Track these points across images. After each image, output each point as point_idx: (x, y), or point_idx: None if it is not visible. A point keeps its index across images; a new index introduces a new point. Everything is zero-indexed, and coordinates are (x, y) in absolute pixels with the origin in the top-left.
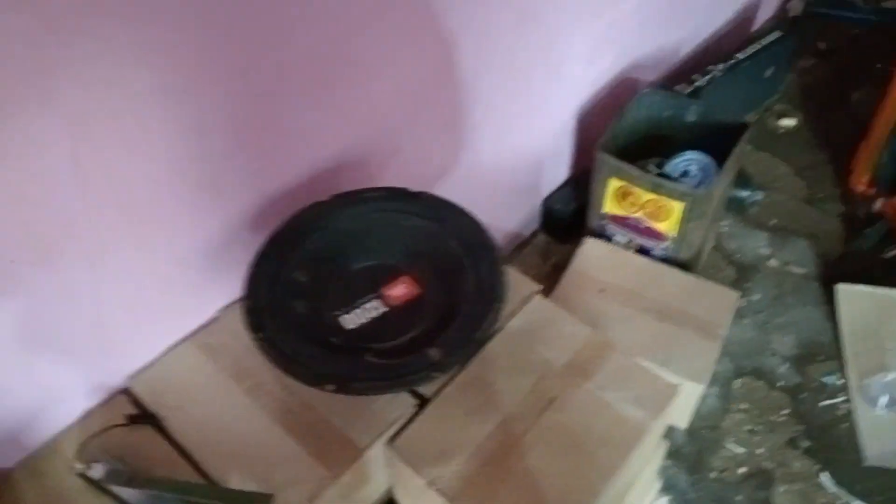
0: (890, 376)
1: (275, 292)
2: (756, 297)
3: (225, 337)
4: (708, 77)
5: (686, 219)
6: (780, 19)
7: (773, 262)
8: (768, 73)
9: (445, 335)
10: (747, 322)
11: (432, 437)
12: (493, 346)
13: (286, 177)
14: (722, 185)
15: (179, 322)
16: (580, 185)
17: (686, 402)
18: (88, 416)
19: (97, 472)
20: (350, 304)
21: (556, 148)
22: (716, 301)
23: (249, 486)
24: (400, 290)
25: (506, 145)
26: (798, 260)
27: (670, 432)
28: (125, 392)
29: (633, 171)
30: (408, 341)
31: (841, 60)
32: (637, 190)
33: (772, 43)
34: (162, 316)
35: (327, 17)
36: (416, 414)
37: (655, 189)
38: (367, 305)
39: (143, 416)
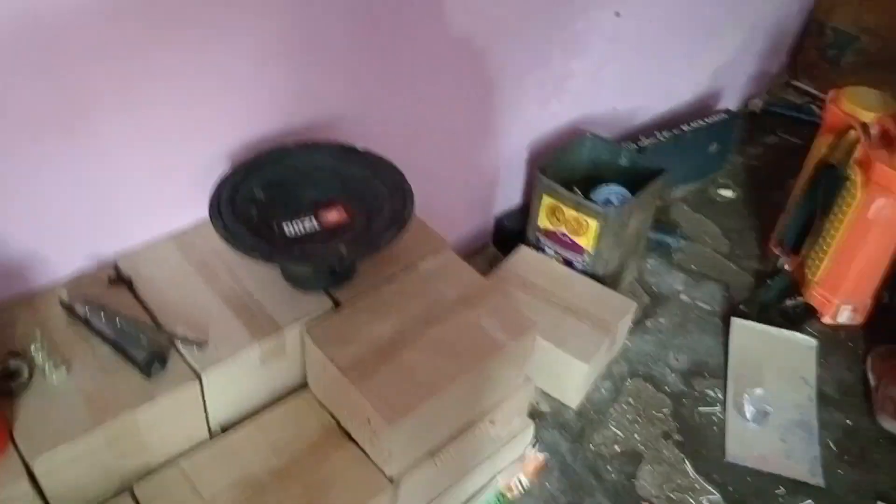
0: (758, 391)
1: (235, 198)
2: (662, 320)
3: (196, 239)
4: (652, 140)
5: (600, 235)
6: (740, 112)
7: (684, 297)
8: (712, 148)
9: (354, 241)
10: (649, 339)
11: (338, 329)
12: (403, 278)
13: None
14: (634, 215)
15: (165, 221)
16: (528, 208)
17: (574, 380)
18: (81, 275)
19: (76, 301)
20: (292, 218)
21: (508, 172)
22: (614, 306)
23: (190, 334)
24: (332, 215)
25: (463, 161)
26: (706, 299)
27: (561, 410)
28: (113, 264)
29: (561, 190)
30: (326, 243)
31: (785, 151)
32: (564, 207)
33: (718, 122)
34: (153, 213)
35: None
36: (330, 311)
37: (577, 207)
38: (306, 222)
39: (121, 280)
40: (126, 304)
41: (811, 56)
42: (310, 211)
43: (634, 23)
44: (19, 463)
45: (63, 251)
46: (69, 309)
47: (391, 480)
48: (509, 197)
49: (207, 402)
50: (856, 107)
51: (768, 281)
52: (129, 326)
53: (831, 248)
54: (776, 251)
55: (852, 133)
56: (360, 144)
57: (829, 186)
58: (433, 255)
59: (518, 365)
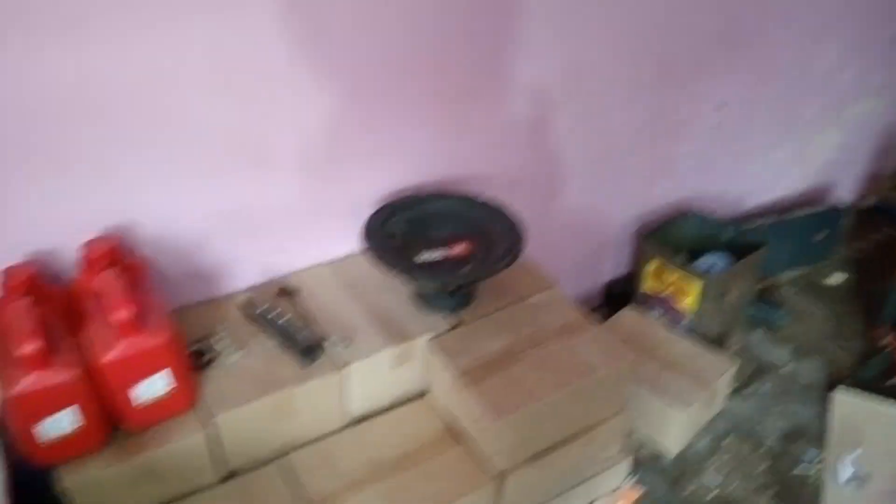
0: (856, 454)
1: (382, 229)
2: (765, 387)
3: (348, 266)
4: (755, 225)
5: (701, 299)
6: (848, 206)
7: (786, 369)
8: (819, 237)
9: (474, 266)
10: (751, 403)
11: (457, 342)
12: (514, 308)
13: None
14: (734, 283)
15: (324, 250)
16: (635, 274)
17: (673, 428)
18: (255, 286)
19: (254, 305)
20: (425, 249)
21: (617, 242)
22: (714, 364)
23: (340, 336)
24: (458, 249)
25: (575, 227)
26: (808, 373)
27: (661, 456)
28: (281, 281)
29: (666, 253)
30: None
31: (893, 246)
32: (667, 271)
33: (824, 212)
34: (315, 243)
35: None
36: (451, 329)
37: (680, 270)
38: (436, 252)
39: (287, 292)
40: (290, 309)
41: None
42: (440, 244)
43: (738, 115)
44: (203, 420)
45: (245, 266)
46: (246, 309)
47: (495, 476)
48: (618, 264)
49: (346, 393)
50: None
51: (869, 360)
52: (291, 324)
53: None
54: (879, 332)
55: None
56: (481, 196)
57: None
58: (541, 292)
59: (613, 390)
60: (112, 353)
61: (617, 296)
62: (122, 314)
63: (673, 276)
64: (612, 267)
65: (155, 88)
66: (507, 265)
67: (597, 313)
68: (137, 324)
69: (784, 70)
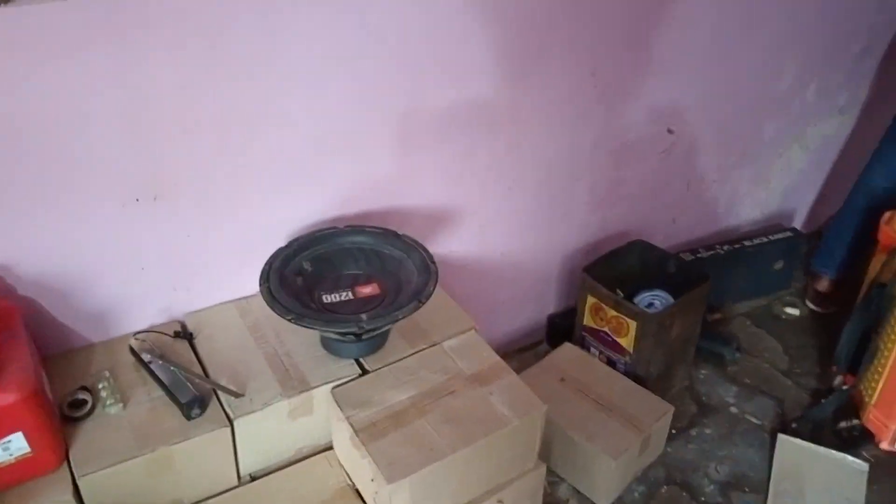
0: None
1: (284, 268)
2: (708, 431)
3: (254, 306)
4: (711, 253)
5: (640, 336)
6: (808, 233)
7: (734, 409)
8: (777, 266)
9: (377, 312)
10: (692, 447)
11: (361, 393)
12: (428, 352)
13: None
14: (676, 320)
15: (231, 288)
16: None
17: (603, 477)
18: (153, 326)
19: (143, 349)
20: (331, 290)
21: (561, 273)
22: (650, 407)
23: (231, 386)
24: (367, 290)
25: (518, 259)
26: (757, 413)
27: None
28: (180, 321)
29: (602, 290)
30: (355, 313)
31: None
32: (605, 307)
33: (783, 240)
34: (221, 280)
35: None
36: (356, 378)
37: (617, 307)
38: (343, 293)
39: (184, 334)
40: (183, 355)
41: None
42: (348, 285)
43: (688, 139)
44: (69, 479)
45: (142, 305)
46: (136, 355)
47: None
48: (565, 296)
49: (238, 449)
50: None
51: (823, 400)
52: (180, 374)
53: (886, 368)
54: (834, 371)
55: None
56: (400, 230)
57: (880, 305)
58: (459, 335)
59: (526, 445)
60: None
61: (560, 330)
62: None
63: (611, 313)
64: (556, 300)
65: (39, 120)
66: (411, 312)
67: (537, 348)
68: None
69: (741, 89)
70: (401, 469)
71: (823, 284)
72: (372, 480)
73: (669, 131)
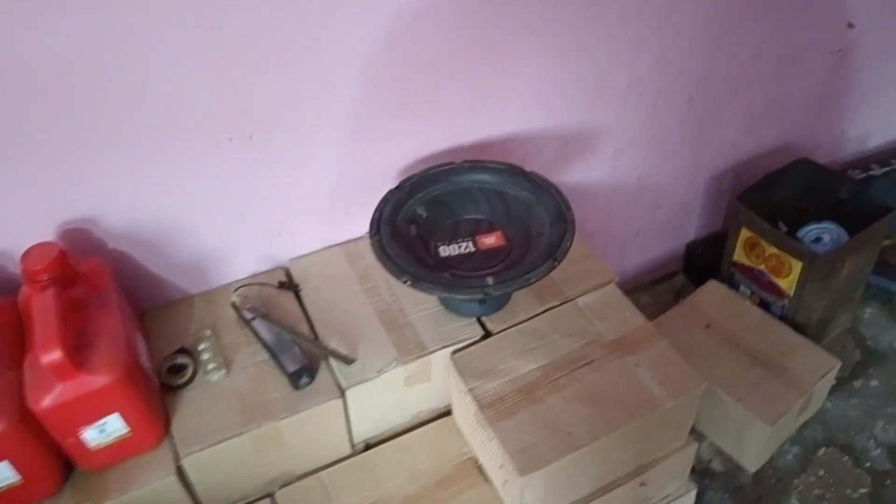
0: None
1: (397, 214)
2: (874, 383)
3: (364, 250)
4: (886, 169)
5: (804, 279)
6: None
7: None
8: None
9: (504, 273)
10: (855, 402)
11: (485, 360)
12: (560, 310)
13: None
14: (848, 260)
15: (337, 231)
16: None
17: (755, 441)
18: (255, 276)
19: (245, 306)
20: (450, 241)
21: (708, 197)
22: (813, 362)
23: (341, 349)
24: (490, 240)
25: (656, 179)
26: None
27: (737, 472)
28: (284, 269)
29: (762, 223)
30: (478, 271)
31: None
32: (763, 242)
33: None
34: (326, 223)
35: None
36: (478, 341)
37: (779, 244)
38: (462, 244)
39: (289, 285)
40: (290, 310)
41: None
42: (469, 233)
43: (872, 36)
44: (171, 456)
45: (242, 252)
46: (238, 310)
47: None
48: (708, 223)
49: (351, 418)
50: None
51: None
52: (286, 336)
53: None
54: None
55: None
56: (527, 166)
57: None
58: (596, 290)
59: (679, 426)
60: (46, 400)
61: (701, 261)
62: (54, 356)
63: (770, 251)
64: (697, 226)
65: (127, 58)
66: (546, 272)
67: (672, 279)
68: (75, 364)
69: None
70: (535, 460)
71: None
72: (501, 467)
73: (850, 25)
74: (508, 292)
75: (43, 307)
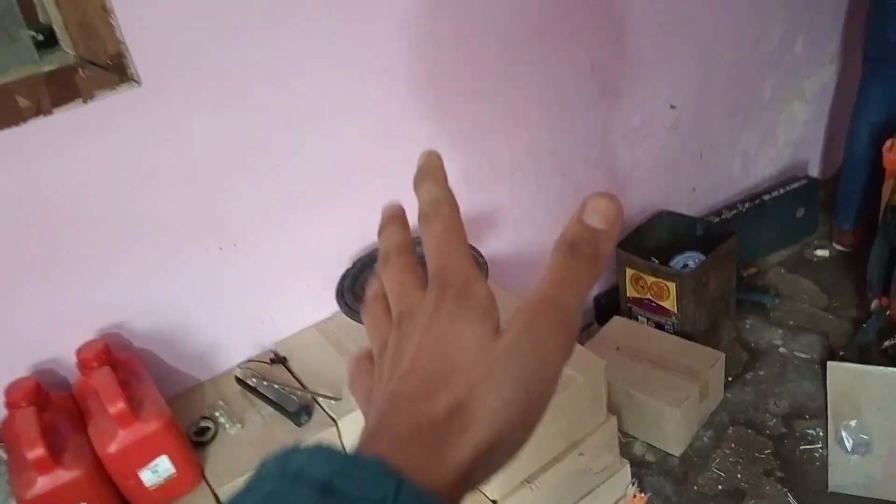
0: (854, 423)
1: (353, 286)
2: (762, 372)
3: (332, 326)
4: (734, 212)
5: (680, 295)
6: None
7: (782, 350)
8: (799, 214)
9: None
10: (749, 389)
11: None
12: None
13: None
14: (711, 276)
15: (308, 315)
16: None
17: (671, 427)
18: (249, 358)
19: (247, 376)
20: None
21: None
22: (702, 357)
23: (328, 392)
24: None
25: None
26: (805, 349)
27: (665, 458)
28: (272, 350)
29: (639, 261)
30: None
31: None
32: (644, 275)
33: (799, 188)
34: (300, 310)
35: None
36: None
37: (655, 273)
38: None
39: (278, 359)
40: (282, 375)
41: None
42: None
43: (692, 111)
44: (209, 492)
45: (236, 342)
46: (242, 382)
47: (494, 503)
48: (606, 277)
49: (344, 445)
50: None
51: (864, 325)
52: (284, 390)
53: None
54: (870, 297)
55: None
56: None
57: None
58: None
59: (593, 400)
60: (113, 445)
61: (607, 308)
62: (119, 406)
63: (650, 280)
64: (599, 283)
65: (124, 189)
66: None
67: (589, 329)
68: (133, 413)
69: (730, 56)
70: None
71: (848, 237)
72: None
73: (672, 107)
74: None
75: (102, 378)
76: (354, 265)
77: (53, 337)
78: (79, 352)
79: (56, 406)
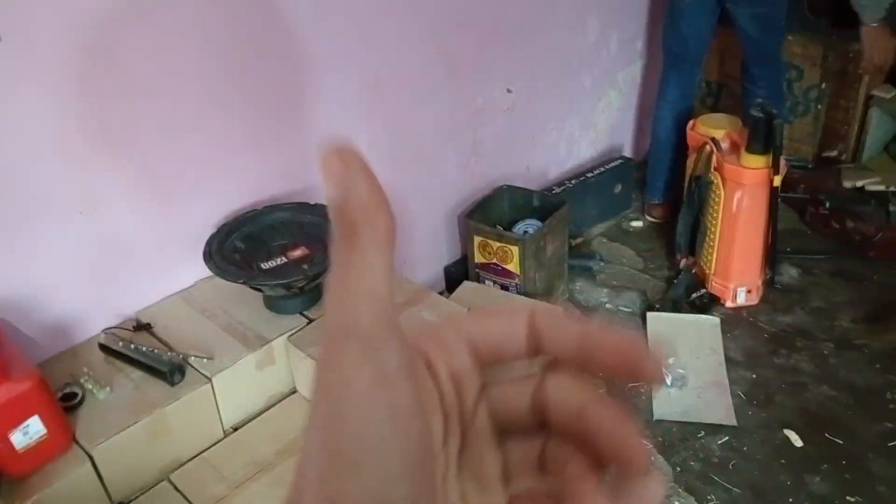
0: (671, 360)
1: (221, 248)
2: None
3: (196, 293)
4: (563, 188)
5: (522, 258)
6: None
7: (609, 306)
8: (617, 189)
9: (314, 264)
10: None
11: (313, 336)
12: None
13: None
14: (548, 239)
15: (171, 282)
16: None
17: None
18: (110, 328)
19: (112, 342)
20: (266, 259)
21: (447, 227)
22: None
23: (200, 353)
24: (297, 253)
25: (407, 220)
26: (627, 304)
27: None
28: (134, 319)
29: (485, 228)
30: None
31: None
32: (490, 241)
33: (616, 167)
34: (161, 277)
35: None
36: (305, 326)
37: (500, 238)
38: (278, 259)
39: (143, 326)
40: (149, 341)
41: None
42: (279, 252)
43: (526, 97)
44: (83, 454)
45: (96, 311)
46: (107, 349)
47: None
48: (454, 249)
49: (219, 405)
50: (708, 128)
51: (675, 282)
52: (153, 352)
53: (716, 242)
54: (679, 258)
55: (707, 148)
56: (312, 201)
57: (700, 193)
58: None
59: None
60: None
61: (456, 277)
62: None
63: (495, 246)
64: (448, 252)
65: None
66: None
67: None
68: (3, 374)
69: (556, 50)
70: None
71: (657, 209)
72: None
73: (508, 90)
74: (321, 272)
75: None
76: (220, 230)
77: None
78: None
79: None
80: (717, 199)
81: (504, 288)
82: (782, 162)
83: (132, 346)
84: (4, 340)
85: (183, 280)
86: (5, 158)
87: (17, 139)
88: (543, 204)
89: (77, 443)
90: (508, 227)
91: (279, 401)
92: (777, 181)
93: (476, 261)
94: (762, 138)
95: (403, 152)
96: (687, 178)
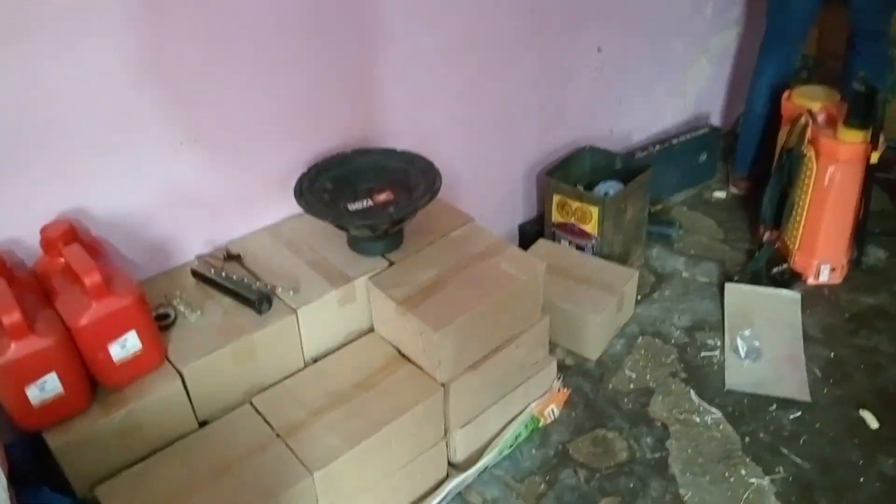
0: (747, 332)
1: (312, 188)
2: (667, 293)
3: (283, 229)
4: (646, 153)
5: (602, 219)
6: (723, 127)
7: (685, 274)
8: (702, 158)
9: (400, 206)
10: (656, 306)
11: (393, 277)
12: (437, 243)
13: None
14: (629, 203)
15: (259, 217)
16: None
17: (590, 334)
18: (202, 255)
19: (204, 269)
20: (353, 201)
21: (526, 185)
22: (619, 275)
23: (282, 287)
24: (382, 196)
25: (487, 176)
26: (705, 274)
27: (583, 363)
28: (225, 249)
29: (566, 187)
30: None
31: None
32: (569, 201)
33: (703, 135)
34: (251, 212)
35: None
36: (386, 268)
37: (580, 198)
38: (364, 202)
39: (233, 256)
40: (238, 270)
41: None
42: (366, 196)
43: (615, 59)
44: (174, 372)
45: (190, 238)
46: (199, 275)
47: (442, 385)
48: (529, 207)
49: (302, 336)
50: (804, 100)
51: (756, 254)
52: (243, 281)
53: (803, 217)
54: (760, 231)
55: (802, 120)
56: (398, 147)
57: (791, 166)
58: (461, 227)
59: (532, 299)
60: (85, 317)
61: (530, 235)
62: (93, 278)
63: (575, 205)
64: (523, 210)
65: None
66: (428, 201)
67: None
68: (106, 288)
69: (650, 12)
70: (443, 321)
71: (743, 182)
72: (420, 335)
73: (599, 50)
74: (405, 216)
75: (74, 253)
76: (310, 170)
77: (14, 218)
78: (44, 230)
79: (20, 283)
80: (808, 173)
81: (580, 248)
82: (881, 139)
83: (223, 273)
84: (108, 257)
85: (272, 215)
86: (115, 86)
87: (126, 69)
88: (626, 167)
89: (169, 360)
90: (588, 188)
91: (357, 337)
92: (875, 157)
93: (553, 220)
94: (862, 113)
95: (488, 107)
96: (778, 150)
